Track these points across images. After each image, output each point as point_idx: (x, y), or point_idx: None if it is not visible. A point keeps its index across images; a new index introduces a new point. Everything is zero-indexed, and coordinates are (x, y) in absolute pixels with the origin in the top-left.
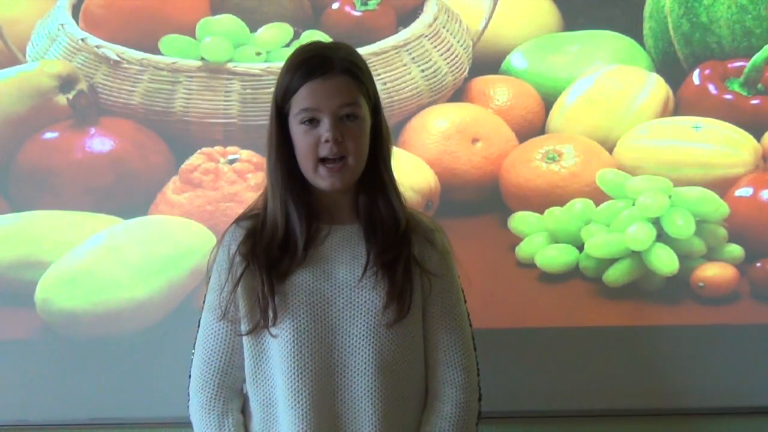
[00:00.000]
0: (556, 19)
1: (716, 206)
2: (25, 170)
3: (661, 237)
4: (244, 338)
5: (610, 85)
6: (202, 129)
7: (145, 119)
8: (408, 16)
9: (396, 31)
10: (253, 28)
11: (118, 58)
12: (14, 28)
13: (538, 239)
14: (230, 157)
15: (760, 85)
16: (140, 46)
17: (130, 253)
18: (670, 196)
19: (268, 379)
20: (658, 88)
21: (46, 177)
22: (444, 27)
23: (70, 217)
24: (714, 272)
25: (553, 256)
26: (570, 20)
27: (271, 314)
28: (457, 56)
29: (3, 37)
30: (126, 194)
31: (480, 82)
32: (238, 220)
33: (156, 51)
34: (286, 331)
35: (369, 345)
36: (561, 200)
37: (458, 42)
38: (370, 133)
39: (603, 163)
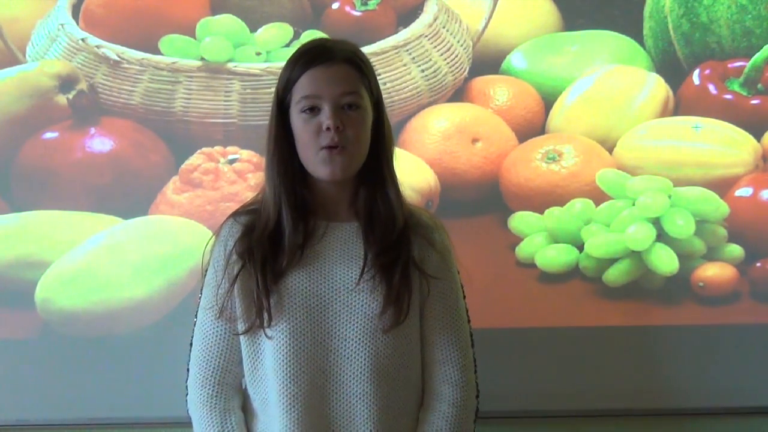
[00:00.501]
0: (556, 19)
1: (716, 206)
2: (25, 170)
3: (661, 237)
4: (241, 337)
5: (610, 85)
6: (202, 129)
7: (145, 119)
8: (408, 16)
9: (396, 31)
10: (253, 28)
11: (118, 58)
12: (14, 28)
13: (538, 239)
14: (230, 157)
15: (760, 85)
16: (140, 46)
17: (130, 252)
18: (670, 196)
19: (264, 380)
20: (658, 88)
21: (46, 177)
22: (444, 27)
23: (70, 217)
24: (714, 272)
25: (553, 256)
26: (570, 20)
27: (266, 315)
28: (457, 56)
29: (3, 37)
30: (126, 194)
31: (480, 82)
32: (236, 215)
33: (156, 51)
34: (282, 333)
35: (365, 350)
36: (561, 200)
37: (458, 42)
38: (372, 129)
39: (603, 163)
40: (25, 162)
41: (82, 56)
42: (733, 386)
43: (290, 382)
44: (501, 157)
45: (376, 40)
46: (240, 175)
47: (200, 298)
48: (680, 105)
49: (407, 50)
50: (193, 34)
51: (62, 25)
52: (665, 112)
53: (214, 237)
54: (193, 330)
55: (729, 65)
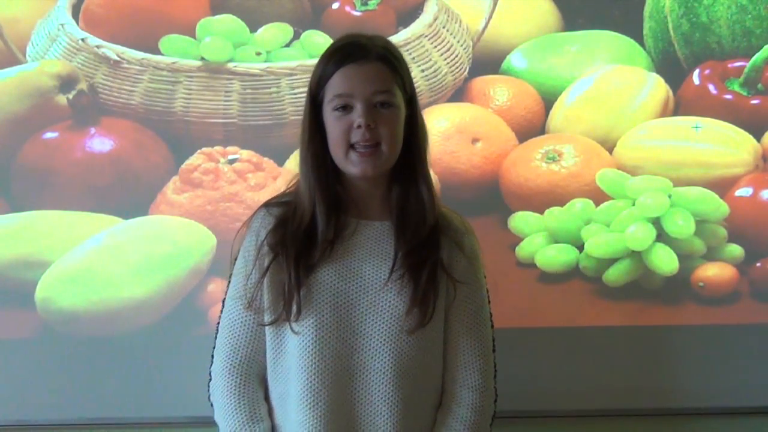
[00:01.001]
0: (556, 19)
1: (716, 206)
2: (25, 170)
3: (661, 237)
4: (266, 329)
5: (610, 85)
6: (202, 129)
7: (145, 119)
8: (408, 16)
9: (396, 31)
10: (253, 28)
11: (118, 58)
12: (14, 28)
13: (538, 239)
14: (230, 157)
15: (760, 85)
16: (140, 46)
17: (130, 252)
18: (670, 196)
19: (285, 374)
20: (657, 88)
21: (46, 177)
22: (444, 27)
23: (70, 217)
24: (714, 272)
25: (553, 256)
26: (570, 20)
27: (294, 308)
28: (457, 56)
29: (3, 37)
30: (126, 194)
31: (480, 82)
32: (269, 206)
33: (156, 51)
34: (308, 329)
35: (388, 350)
36: (561, 200)
37: (458, 42)
38: (406, 126)
39: (603, 163)
40: (25, 162)
41: (82, 56)
42: (733, 386)
43: (315, 379)
44: (501, 157)
45: None
46: (240, 175)
47: (228, 285)
48: (680, 105)
49: (407, 50)
50: (193, 34)
51: (62, 25)
52: (665, 112)
53: (245, 226)
54: (219, 317)
55: (729, 65)
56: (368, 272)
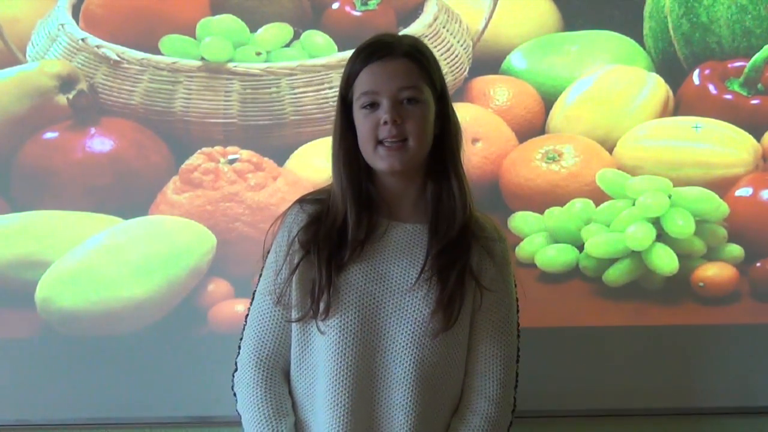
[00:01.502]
0: (556, 19)
1: (716, 206)
2: (25, 170)
3: (661, 237)
4: (293, 325)
5: (609, 85)
6: (202, 129)
7: (145, 119)
8: (408, 16)
9: (396, 32)
10: (253, 28)
11: (118, 58)
12: (14, 28)
13: (538, 239)
14: (230, 157)
15: (760, 85)
16: (140, 46)
17: (130, 252)
18: (670, 196)
19: (311, 372)
20: (657, 88)
21: (46, 177)
22: (444, 27)
23: (70, 217)
24: (714, 272)
25: (553, 256)
26: (570, 20)
27: (323, 306)
28: (457, 56)
29: (3, 37)
30: (126, 194)
31: (480, 82)
32: (302, 202)
33: (156, 51)
34: (333, 329)
35: (411, 354)
36: (561, 200)
37: (458, 42)
38: (437, 122)
39: (603, 163)
40: (25, 162)
41: (82, 56)
42: (733, 386)
43: (337, 379)
44: (501, 157)
45: None
46: (240, 175)
47: (259, 279)
48: (680, 105)
49: None
50: (193, 34)
51: (62, 25)
52: (665, 112)
53: (279, 220)
54: (248, 309)
55: (729, 65)
56: (396, 274)
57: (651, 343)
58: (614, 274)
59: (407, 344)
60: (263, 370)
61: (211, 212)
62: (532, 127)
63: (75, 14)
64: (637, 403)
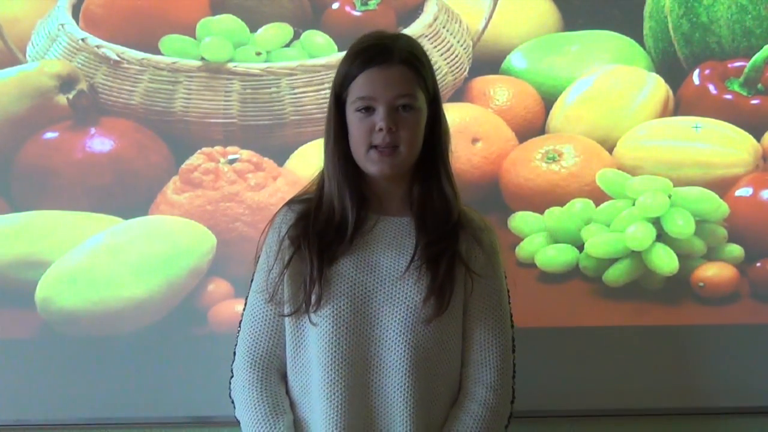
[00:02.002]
0: (556, 19)
1: (716, 206)
2: (25, 170)
3: (661, 237)
4: (286, 322)
5: (609, 85)
6: (202, 129)
7: (145, 119)
8: (408, 16)
9: (396, 31)
10: (253, 28)
11: (118, 58)
12: (14, 28)
13: (538, 239)
14: (230, 157)
15: (760, 85)
16: (140, 46)
17: (130, 252)
18: (670, 196)
19: (306, 366)
20: (657, 88)
21: (46, 177)
22: (444, 27)
23: (70, 217)
24: (714, 272)
25: (553, 256)
26: (570, 20)
27: (314, 298)
28: (457, 56)
29: (3, 37)
30: (126, 194)
31: (480, 82)
32: (290, 203)
33: (156, 51)
34: (326, 320)
35: (405, 340)
36: (561, 200)
37: (458, 42)
38: (428, 124)
39: (603, 163)
40: (25, 162)
41: (82, 56)
42: (733, 386)
43: (332, 369)
44: (501, 157)
45: None
46: (240, 175)
47: (251, 283)
48: (680, 105)
49: None
50: (193, 34)
51: (62, 25)
52: (665, 112)
53: (268, 225)
54: (242, 314)
55: (729, 65)
56: (386, 264)
57: (651, 343)
58: (614, 274)
59: (401, 331)
60: (258, 371)
61: (211, 212)
62: (532, 127)
63: (75, 14)
64: (637, 403)
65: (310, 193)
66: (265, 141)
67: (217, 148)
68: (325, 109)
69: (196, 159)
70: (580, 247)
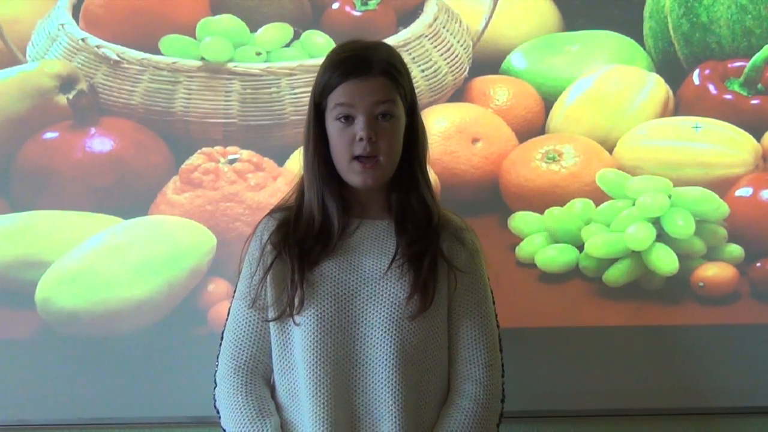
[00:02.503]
0: (556, 19)
1: (716, 206)
2: (25, 170)
3: (661, 237)
4: (271, 326)
5: (609, 85)
6: (202, 129)
7: (145, 119)
8: (408, 16)
9: (396, 31)
10: (253, 28)
11: (118, 58)
12: (14, 28)
13: (538, 239)
14: (230, 157)
15: (760, 85)
16: (140, 46)
17: (130, 252)
18: (670, 196)
19: (292, 368)
20: (657, 88)
21: (46, 177)
22: (444, 27)
23: (70, 217)
24: (714, 272)
25: (553, 256)
26: (570, 20)
27: (297, 302)
28: (457, 56)
29: (3, 37)
30: (126, 194)
31: (480, 82)
32: (272, 212)
33: (156, 51)
34: (310, 319)
35: (391, 337)
36: (561, 200)
37: (458, 42)
38: (406, 133)
39: (603, 163)
40: (25, 162)
41: (82, 56)
42: (733, 386)
43: (317, 368)
44: (501, 157)
45: (376, 40)
46: (240, 175)
47: (234, 292)
48: (680, 105)
49: (407, 50)
50: (193, 34)
51: (62, 25)
52: (665, 112)
53: (250, 236)
54: (225, 323)
55: (729, 65)
56: (368, 264)
57: (651, 343)
58: (614, 274)
59: (385, 328)
60: (243, 376)
61: (211, 212)
62: (532, 127)
63: (75, 14)
64: (637, 403)
65: (290, 202)
66: (265, 141)
67: (217, 148)
68: None
69: (196, 159)
70: (580, 247)
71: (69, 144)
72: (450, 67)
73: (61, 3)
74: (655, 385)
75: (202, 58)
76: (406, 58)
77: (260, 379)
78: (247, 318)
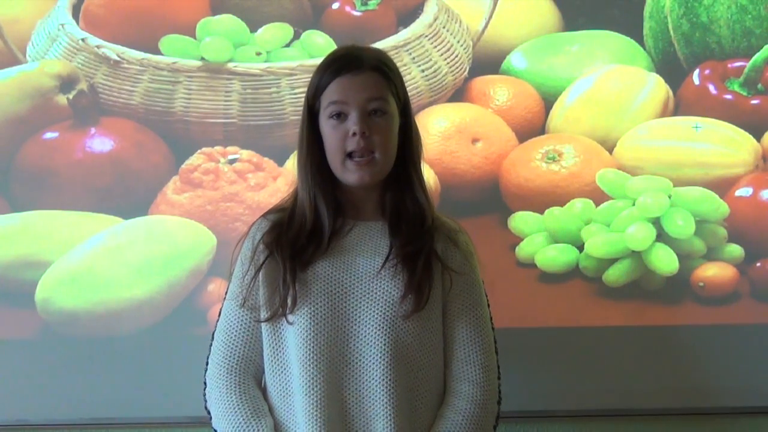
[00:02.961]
0: (556, 19)
1: (716, 206)
2: (25, 170)
3: (661, 237)
4: (263, 326)
5: (610, 85)
6: (202, 129)
7: (145, 119)
8: (408, 16)
9: (396, 31)
10: (253, 28)
11: (118, 58)
12: (14, 28)
13: (538, 239)
14: (230, 157)
15: (760, 85)
16: (140, 46)
17: (130, 252)
18: (670, 196)
19: (285, 369)
20: (657, 88)
21: (46, 177)
22: (444, 27)
23: (70, 217)
24: (714, 272)
25: (553, 256)
26: (570, 20)
27: (290, 301)
28: (457, 56)
29: (3, 37)
30: (126, 194)
31: (480, 82)
32: (266, 214)
33: (156, 51)
34: (303, 318)
35: (385, 335)
36: (561, 200)
37: (458, 42)
38: (400, 133)
39: (603, 163)
40: (25, 162)
41: (82, 56)
42: (733, 386)
43: (310, 365)
44: (501, 157)
45: (376, 40)
46: (240, 175)
47: (226, 293)
48: (680, 105)
49: (407, 50)
50: (193, 34)
51: (62, 25)
52: (665, 112)
53: (243, 237)
54: (216, 324)
55: (729, 65)
56: (362, 264)
57: (651, 343)
58: (614, 274)
59: (379, 327)
60: (235, 376)
61: (212, 212)
62: (532, 127)
63: (75, 14)
64: (637, 403)
65: (286, 204)
66: (265, 141)
67: (217, 148)
68: None
69: (196, 159)
70: (580, 247)
71: (69, 144)
72: (450, 67)
73: (61, 3)
74: (655, 385)
75: (202, 58)
76: (406, 58)
77: (252, 379)
78: (239, 318)
